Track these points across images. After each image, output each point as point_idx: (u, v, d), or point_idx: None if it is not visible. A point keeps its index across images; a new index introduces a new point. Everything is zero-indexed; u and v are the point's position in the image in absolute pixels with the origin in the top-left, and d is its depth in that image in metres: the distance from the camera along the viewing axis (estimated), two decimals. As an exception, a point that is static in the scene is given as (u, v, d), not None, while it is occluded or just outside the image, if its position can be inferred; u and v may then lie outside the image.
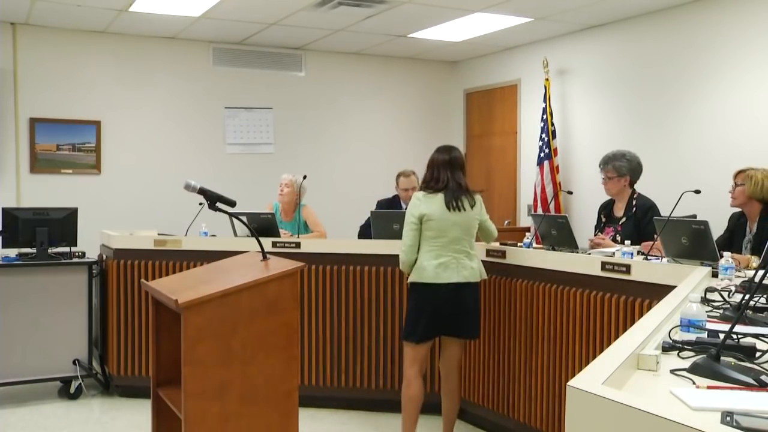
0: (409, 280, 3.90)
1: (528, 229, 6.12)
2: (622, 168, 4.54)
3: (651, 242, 3.80)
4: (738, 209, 4.10)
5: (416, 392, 3.89)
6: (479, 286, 3.94)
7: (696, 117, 5.80)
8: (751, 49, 5.43)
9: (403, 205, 5.42)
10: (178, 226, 5.62)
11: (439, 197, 3.79)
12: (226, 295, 2.77)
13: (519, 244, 4.39)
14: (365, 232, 5.35)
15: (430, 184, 3.85)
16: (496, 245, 4.26)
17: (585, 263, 3.72)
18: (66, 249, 4.96)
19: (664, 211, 4.28)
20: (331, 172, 7.75)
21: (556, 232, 4.19)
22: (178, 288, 2.91)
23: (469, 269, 3.81)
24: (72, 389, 4.93)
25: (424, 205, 3.79)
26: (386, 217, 4.86)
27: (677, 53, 5.95)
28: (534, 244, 4.41)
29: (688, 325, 1.89)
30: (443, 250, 3.78)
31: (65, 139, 6.79)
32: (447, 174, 3.82)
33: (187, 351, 2.69)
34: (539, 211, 6.70)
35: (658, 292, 3.08)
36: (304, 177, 5.43)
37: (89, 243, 5.40)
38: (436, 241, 3.78)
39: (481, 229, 3.95)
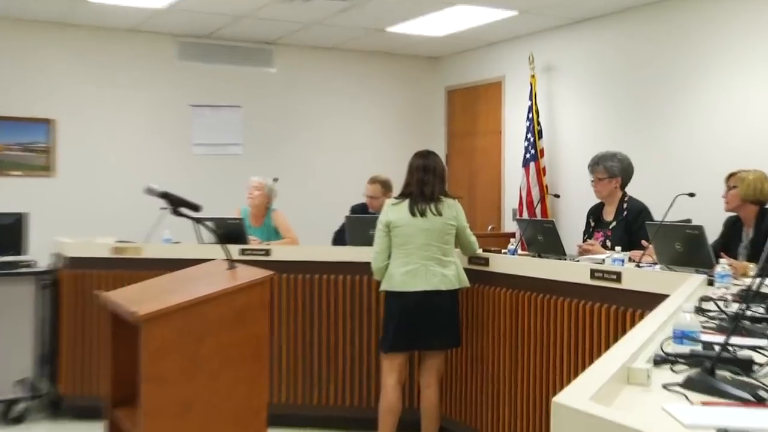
0: (380, 289, 4.02)
1: (513, 235, 6.13)
2: (614, 168, 4.55)
3: (641, 251, 3.81)
4: (733, 214, 4.14)
5: (393, 402, 3.94)
6: (456, 294, 3.97)
7: (689, 116, 5.85)
8: (747, 45, 5.49)
9: (372, 211, 5.44)
10: (139, 233, 5.56)
11: (406, 203, 3.91)
12: (189, 306, 2.76)
13: (503, 250, 4.40)
14: (340, 239, 5.34)
15: (402, 191, 4.00)
16: (478, 252, 4.27)
17: (573, 271, 3.73)
18: (12, 258, 4.87)
19: (657, 216, 4.30)
20: (303, 175, 7.72)
21: (543, 238, 4.20)
22: (138, 299, 2.87)
23: (440, 276, 3.85)
24: (14, 413, 4.82)
25: (391, 212, 3.94)
26: (362, 223, 4.85)
27: (669, 49, 6.01)
28: (519, 251, 4.42)
29: (681, 336, 1.89)
30: (411, 257, 3.87)
31: (14, 138, 6.69)
32: (418, 179, 3.92)
33: (146, 367, 2.65)
34: (525, 215, 6.72)
35: (650, 301, 3.09)
36: (275, 179, 5.41)
37: (41, 251, 5.31)
38: (403, 248, 3.89)
39: (459, 239, 4.01)
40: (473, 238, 4.15)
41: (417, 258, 3.87)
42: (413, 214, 3.88)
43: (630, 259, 3.83)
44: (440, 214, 3.89)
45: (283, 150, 7.74)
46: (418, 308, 3.87)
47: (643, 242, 3.83)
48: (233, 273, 3.09)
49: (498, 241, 5.76)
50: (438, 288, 3.86)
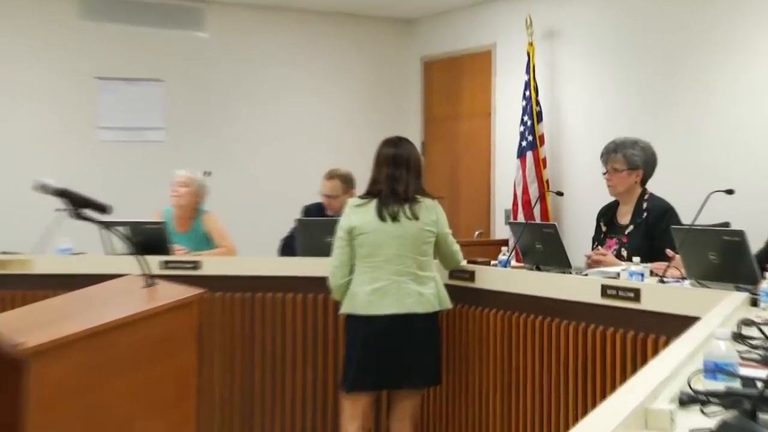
0: (340, 311, 4.02)
1: (505, 243, 6.14)
2: (635, 158, 4.55)
3: (665, 263, 3.81)
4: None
5: None
6: (436, 318, 3.99)
7: (728, 93, 5.86)
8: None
9: (330, 213, 5.44)
10: (27, 241, 5.46)
11: (373, 204, 3.92)
12: (94, 335, 2.73)
13: (493, 262, 4.41)
14: (289, 247, 5.33)
15: (367, 188, 4.01)
16: (463, 264, 4.27)
17: (580, 287, 3.75)
18: None
19: (686, 218, 4.32)
20: (242, 168, 7.68)
21: (542, 246, 4.22)
22: (26, 326, 2.85)
23: (416, 296, 3.86)
24: None
25: (355, 215, 3.94)
26: (316, 227, 4.85)
27: (701, 9, 6.03)
28: (513, 262, 4.43)
29: (714, 370, 1.90)
30: (380, 272, 3.87)
31: None
32: (388, 174, 3.93)
33: (35, 415, 2.60)
34: (520, 218, 6.75)
35: (676, 325, 3.11)
36: (206, 173, 5.39)
37: None
38: (370, 260, 3.89)
39: (438, 248, 4.01)
40: (456, 247, 4.16)
41: (387, 273, 3.87)
42: (382, 218, 3.88)
43: (652, 273, 3.85)
44: (416, 218, 3.89)
45: (217, 136, 7.68)
46: (389, 336, 3.86)
47: (668, 251, 3.86)
48: (152, 291, 3.07)
49: (487, 250, 5.78)
50: (413, 310, 3.86)
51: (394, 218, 3.88)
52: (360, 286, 3.90)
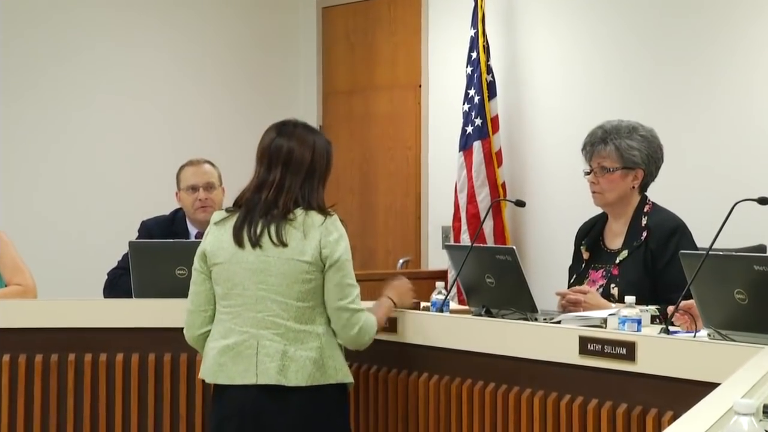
0: (200, 375, 4.05)
1: (442, 275, 6.17)
2: (633, 152, 4.52)
3: (680, 304, 3.85)
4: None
5: None
6: (325, 395, 3.88)
7: (751, 69, 5.97)
8: None
9: (192, 230, 5.50)
10: None
11: (233, 221, 3.94)
12: None
13: (424, 304, 4.44)
14: (119, 286, 5.29)
15: (238, 196, 4.01)
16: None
17: (549, 341, 3.79)
18: None
19: (701, 239, 4.38)
20: (48, 170, 7.54)
21: (496, 281, 4.26)
22: None
23: (280, 360, 3.81)
24: None
25: (211, 235, 3.99)
26: (161, 253, 4.87)
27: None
28: (453, 305, 4.44)
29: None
30: (236, 322, 3.88)
31: None
32: (260, 176, 3.94)
33: None
34: (464, 239, 6.80)
35: (683, 395, 3.17)
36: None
37: None
38: (226, 303, 3.92)
39: (328, 296, 3.89)
40: (351, 296, 3.92)
41: (244, 323, 3.87)
42: (239, 242, 3.88)
43: (654, 320, 3.90)
44: (284, 244, 3.85)
45: (5, 123, 7.53)
46: (246, 422, 3.87)
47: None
48: None
49: (415, 286, 5.80)
50: (278, 382, 3.81)
51: (256, 243, 3.86)
52: (212, 340, 3.93)
